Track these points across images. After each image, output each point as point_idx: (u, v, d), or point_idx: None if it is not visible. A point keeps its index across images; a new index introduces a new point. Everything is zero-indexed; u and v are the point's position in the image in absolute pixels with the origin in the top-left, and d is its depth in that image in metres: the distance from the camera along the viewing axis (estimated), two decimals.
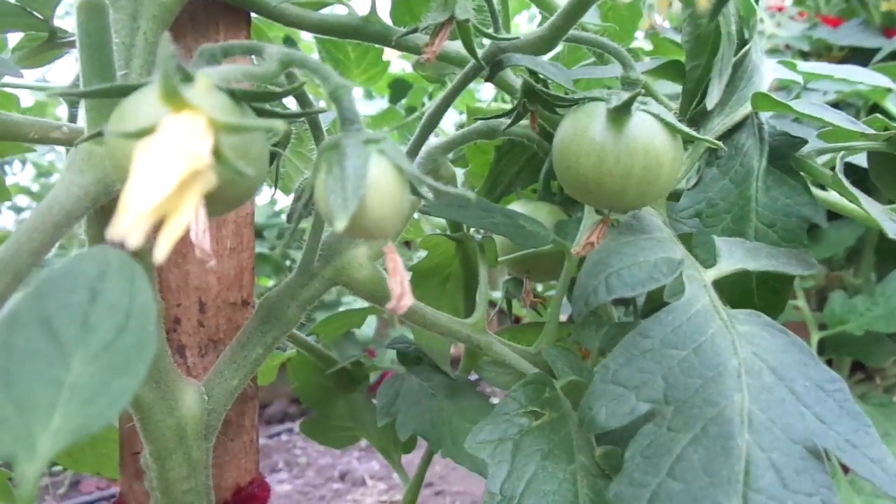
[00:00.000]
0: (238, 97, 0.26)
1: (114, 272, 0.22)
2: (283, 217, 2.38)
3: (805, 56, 1.15)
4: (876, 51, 1.04)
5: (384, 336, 2.45)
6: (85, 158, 0.33)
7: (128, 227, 0.20)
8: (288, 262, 2.41)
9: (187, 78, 0.24)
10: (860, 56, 1.07)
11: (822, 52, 1.16)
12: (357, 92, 1.60)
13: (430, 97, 1.44)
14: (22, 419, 0.19)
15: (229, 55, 0.30)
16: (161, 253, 0.20)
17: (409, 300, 0.27)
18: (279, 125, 0.23)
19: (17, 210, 2.31)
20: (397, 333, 2.31)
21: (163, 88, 0.22)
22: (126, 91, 0.27)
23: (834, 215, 0.55)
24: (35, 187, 2.26)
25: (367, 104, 1.42)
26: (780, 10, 1.24)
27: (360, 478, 2.22)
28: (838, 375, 0.35)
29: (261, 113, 0.29)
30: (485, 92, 1.79)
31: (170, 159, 0.20)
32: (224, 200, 0.26)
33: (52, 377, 0.19)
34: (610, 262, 0.38)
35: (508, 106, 0.53)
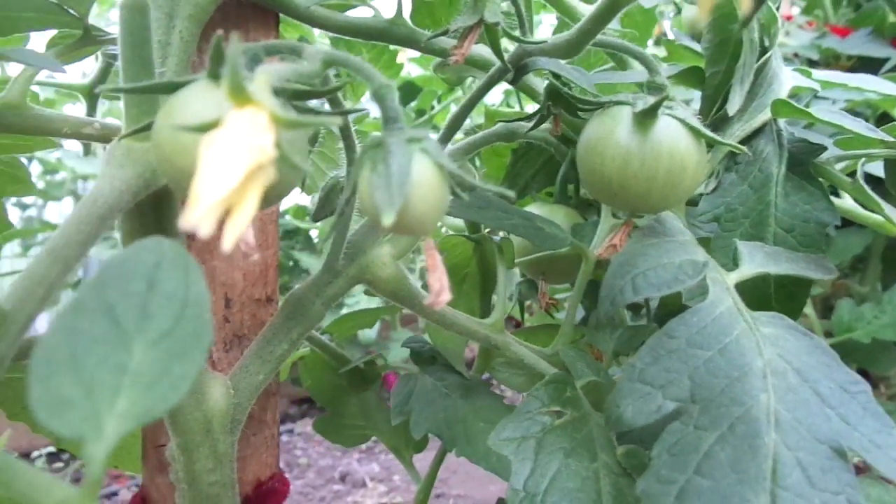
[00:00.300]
0: (286, 95, 0.27)
1: (169, 262, 0.23)
2: (288, 218, 2.39)
3: (813, 65, 1.16)
4: (884, 61, 1.05)
5: (386, 339, 2.46)
6: (125, 153, 0.33)
7: (199, 216, 0.20)
8: (291, 263, 2.42)
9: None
10: (868, 66, 1.08)
11: (830, 61, 1.17)
12: (365, 94, 1.61)
13: (440, 100, 1.45)
14: (89, 402, 0.19)
15: (272, 54, 0.31)
16: (228, 243, 0.21)
17: (447, 296, 0.28)
18: (336, 121, 0.24)
19: (23, 207, 2.31)
20: (399, 336, 2.31)
21: (231, 83, 0.22)
22: (172, 87, 0.28)
23: (840, 224, 0.56)
24: (41, 184, 2.26)
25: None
26: (788, 19, 1.25)
27: (361, 479, 2.22)
28: (861, 378, 0.35)
29: (299, 111, 0.30)
30: (492, 96, 1.80)
31: (236, 152, 0.21)
32: (271, 195, 0.26)
33: (117, 362, 0.20)
34: (636, 264, 0.39)
35: (519, 111, 0.54)
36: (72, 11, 0.42)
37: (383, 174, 0.26)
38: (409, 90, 1.41)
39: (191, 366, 0.21)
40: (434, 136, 0.51)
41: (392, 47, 0.97)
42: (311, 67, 0.29)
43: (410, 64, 1.77)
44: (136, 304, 0.21)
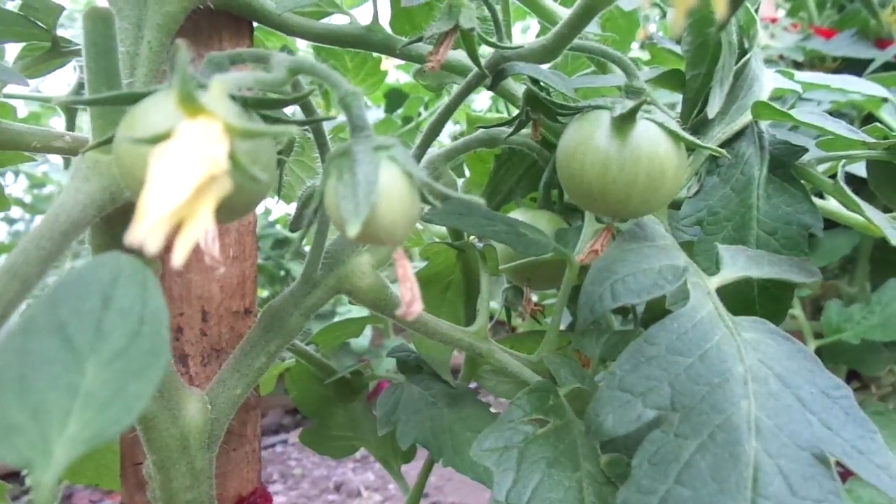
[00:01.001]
0: (248, 104, 0.26)
1: (126, 278, 0.22)
2: (279, 227, 2.38)
3: (799, 67, 1.16)
4: (869, 62, 1.05)
5: (379, 346, 2.45)
6: (91, 167, 0.33)
7: (146, 232, 0.20)
8: (283, 273, 2.41)
9: (199, 85, 0.24)
10: (853, 67, 1.08)
11: (815, 62, 1.17)
12: None
13: (426, 107, 1.45)
14: (37, 426, 0.18)
15: (237, 63, 0.30)
16: (179, 258, 0.20)
17: (418, 306, 0.27)
18: (294, 130, 0.23)
19: (10, 221, 2.30)
20: (392, 344, 2.30)
21: (180, 94, 0.22)
22: (135, 98, 0.27)
23: (828, 225, 0.56)
24: (28, 198, 2.25)
25: None
26: (773, 21, 1.25)
27: (356, 489, 2.21)
28: (843, 382, 0.35)
29: (268, 120, 0.29)
30: (480, 102, 1.80)
31: (187, 164, 0.20)
32: (233, 207, 0.26)
33: (67, 383, 0.19)
34: (615, 270, 0.39)
35: (505, 116, 0.54)
36: (39, 24, 0.42)
37: (349, 183, 0.26)
38: (396, 97, 1.40)
39: (146, 385, 0.20)
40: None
41: (376, 55, 0.96)
42: (276, 75, 0.28)
43: (398, 71, 1.76)
44: (89, 322, 0.21)
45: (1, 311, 0.25)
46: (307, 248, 0.47)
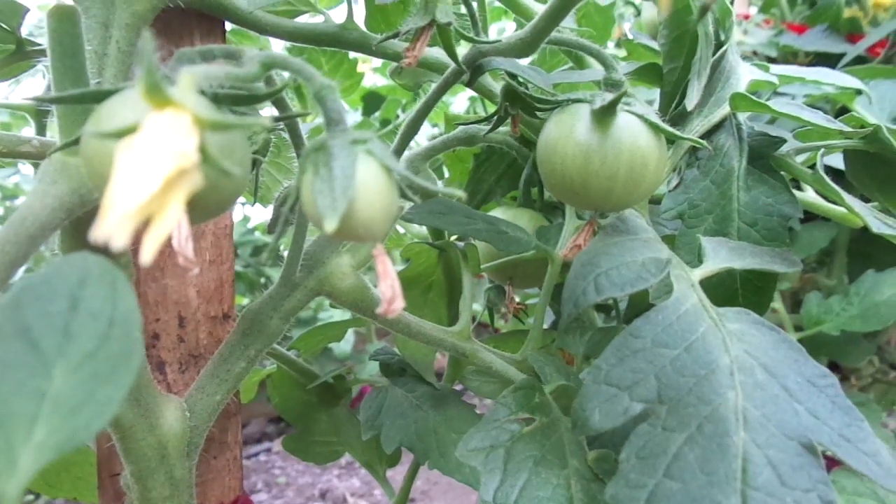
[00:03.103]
0: (220, 100, 0.25)
1: (95, 279, 0.21)
2: (258, 234, 2.36)
3: (772, 62, 1.16)
4: (841, 56, 1.06)
5: (361, 351, 2.44)
6: (58, 169, 0.32)
7: (112, 227, 0.19)
8: (263, 280, 2.39)
9: (168, 81, 0.23)
10: (826, 61, 1.09)
11: (788, 58, 1.18)
12: None
13: (404, 110, 1.44)
14: (2, 433, 0.18)
15: (208, 59, 0.29)
16: (147, 256, 0.19)
17: (400, 303, 0.27)
18: (265, 122, 0.22)
19: None
20: (375, 348, 2.29)
21: (146, 84, 0.21)
22: (101, 97, 0.26)
23: (806, 218, 0.56)
24: (0, 210, 2.21)
25: None
26: (746, 18, 1.26)
27: (341, 496, 2.19)
28: (828, 371, 0.35)
29: (241, 117, 0.29)
30: (458, 105, 1.79)
31: (154, 157, 0.20)
32: (207, 206, 0.25)
33: (33, 388, 0.18)
34: (598, 263, 0.38)
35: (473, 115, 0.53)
36: (2, 25, 0.41)
37: (326, 178, 0.25)
38: (373, 100, 1.40)
39: (117, 388, 0.19)
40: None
41: (352, 56, 0.96)
42: (248, 70, 0.27)
43: (375, 74, 1.76)
44: (56, 324, 0.20)
45: None
46: (286, 252, 0.46)
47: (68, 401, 0.19)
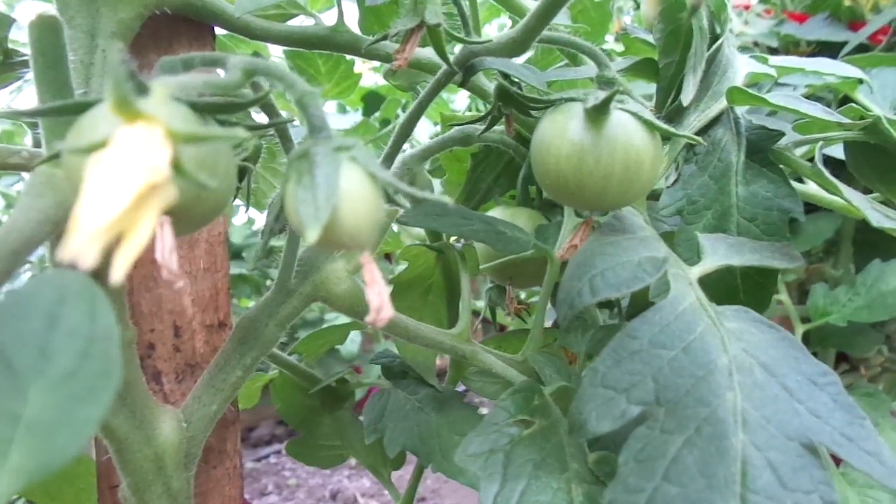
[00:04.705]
0: (201, 109, 0.25)
1: (73, 296, 0.21)
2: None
3: (774, 52, 1.15)
4: (843, 44, 1.05)
5: (369, 352, 2.43)
6: (44, 182, 0.31)
7: (80, 246, 0.18)
8: (269, 283, 2.39)
9: (144, 91, 0.23)
10: (828, 50, 1.08)
11: (789, 48, 1.17)
12: (330, 106, 1.60)
13: (404, 109, 1.44)
14: None
15: (190, 67, 0.29)
16: (118, 273, 0.19)
17: (388, 312, 0.26)
18: (241, 134, 0.22)
19: None
20: (382, 348, 2.29)
21: (114, 97, 0.20)
22: (82, 108, 0.26)
23: (810, 208, 0.55)
24: (4, 218, 2.21)
25: (341, 118, 1.41)
26: (746, 8, 1.25)
27: (352, 496, 2.20)
28: (830, 368, 0.34)
29: (226, 126, 0.28)
30: (459, 102, 1.79)
31: (124, 173, 0.19)
32: (191, 217, 0.25)
33: (7, 411, 0.18)
34: (593, 264, 0.38)
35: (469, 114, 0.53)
36: None
37: (308, 186, 0.25)
38: (373, 100, 1.39)
39: (97, 408, 0.19)
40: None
41: (349, 57, 0.95)
42: (231, 78, 0.27)
43: (375, 74, 1.75)
44: (33, 344, 0.20)
45: None
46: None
47: (45, 423, 0.18)
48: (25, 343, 0.19)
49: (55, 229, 0.31)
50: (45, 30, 0.31)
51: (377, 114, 1.38)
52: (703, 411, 0.31)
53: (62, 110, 0.27)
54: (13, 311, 0.20)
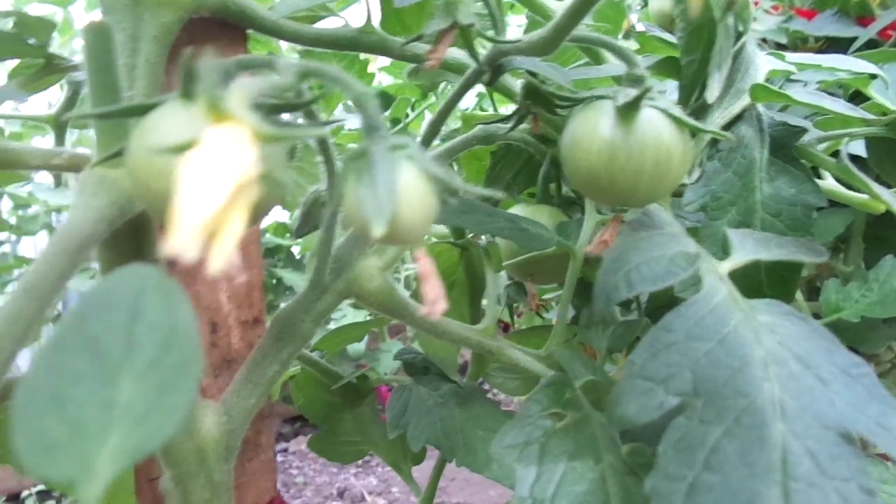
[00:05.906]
0: (266, 110, 0.26)
1: (152, 290, 0.22)
2: (269, 236, 2.36)
3: (782, 49, 1.16)
4: (852, 40, 1.06)
5: (375, 350, 2.44)
6: (98, 182, 0.32)
7: (183, 241, 0.19)
8: (274, 281, 2.40)
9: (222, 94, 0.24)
10: (837, 46, 1.09)
11: (798, 44, 1.17)
12: (338, 106, 1.60)
13: (413, 108, 1.45)
14: (78, 442, 0.18)
15: (244, 69, 0.30)
16: (216, 266, 0.20)
17: (443, 305, 0.27)
18: (320, 132, 0.23)
19: None
20: (388, 347, 2.29)
21: (208, 100, 0.21)
22: (142, 110, 0.27)
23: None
24: (13, 220, 2.22)
25: (351, 117, 1.42)
26: (755, 4, 1.26)
27: (359, 494, 2.21)
28: (863, 360, 0.35)
29: (277, 126, 0.29)
30: (465, 101, 1.79)
31: (218, 171, 0.20)
32: (253, 213, 0.26)
33: (104, 398, 0.19)
34: (628, 259, 0.38)
35: (492, 113, 0.53)
36: (31, 41, 0.41)
37: (370, 185, 0.26)
38: (383, 99, 1.40)
39: (182, 395, 0.20)
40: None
41: (363, 57, 0.96)
42: (285, 80, 0.28)
43: (382, 73, 1.76)
44: (120, 335, 0.20)
45: (23, 331, 0.25)
46: (301, 256, 0.46)
47: (137, 409, 0.19)
48: (114, 334, 0.20)
49: (111, 226, 0.32)
50: (98, 35, 0.32)
51: (387, 113, 1.39)
52: (741, 402, 0.32)
53: (124, 112, 0.27)
54: (100, 304, 0.21)
